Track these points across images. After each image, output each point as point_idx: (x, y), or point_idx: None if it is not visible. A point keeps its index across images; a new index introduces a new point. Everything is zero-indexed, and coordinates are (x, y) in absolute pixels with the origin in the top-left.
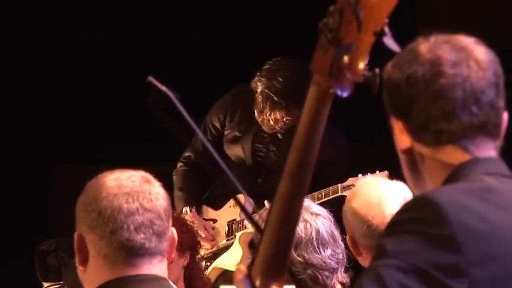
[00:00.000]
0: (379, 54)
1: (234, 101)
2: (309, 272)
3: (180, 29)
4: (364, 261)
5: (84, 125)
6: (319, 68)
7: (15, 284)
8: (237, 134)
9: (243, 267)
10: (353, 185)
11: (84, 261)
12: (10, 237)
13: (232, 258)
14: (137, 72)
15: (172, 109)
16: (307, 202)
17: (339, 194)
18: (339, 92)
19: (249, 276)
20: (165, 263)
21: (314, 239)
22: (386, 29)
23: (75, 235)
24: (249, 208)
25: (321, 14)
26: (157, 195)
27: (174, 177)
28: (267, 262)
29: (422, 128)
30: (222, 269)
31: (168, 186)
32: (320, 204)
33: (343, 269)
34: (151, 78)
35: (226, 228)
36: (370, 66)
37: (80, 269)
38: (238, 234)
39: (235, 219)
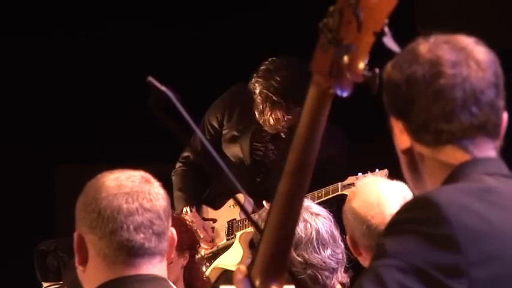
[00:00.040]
0: (379, 55)
1: (231, 100)
2: (309, 272)
3: (180, 29)
4: (364, 261)
5: (84, 125)
6: (319, 68)
7: (15, 284)
8: (235, 133)
9: (243, 267)
10: (353, 184)
11: (84, 261)
12: (10, 237)
13: (233, 258)
14: (137, 72)
15: (172, 109)
16: (307, 202)
17: (339, 192)
18: (338, 92)
19: (249, 276)
20: (164, 263)
21: (314, 239)
22: (386, 29)
23: (75, 235)
24: (249, 208)
25: (321, 14)
26: (157, 195)
27: (173, 178)
28: (266, 262)
29: (422, 128)
30: (222, 268)
31: (167, 186)
32: (320, 203)
33: (343, 269)
34: (151, 79)
35: (226, 227)
36: (370, 66)
37: (79, 269)
38: (238, 234)
39: (235, 219)
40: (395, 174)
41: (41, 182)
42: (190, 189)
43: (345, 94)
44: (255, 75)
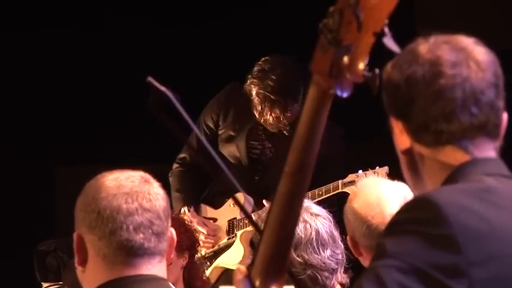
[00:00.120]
0: (379, 55)
1: (226, 100)
2: (309, 272)
3: (180, 28)
4: (365, 261)
5: (83, 126)
6: (319, 68)
7: (15, 284)
8: (231, 133)
9: (243, 268)
10: (353, 181)
11: (84, 262)
12: (10, 238)
13: (234, 257)
14: (137, 73)
15: (172, 109)
16: (306, 203)
17: (340, 190)
18: (338, 93)
19: (249, 277)
20: (164, 263)
21: (314, 239)
22: (386, 30)
23: (75, 235)
24: (248, 208)
25: (321, 14)
26: (157, 195)
27: (170, 179)
28: (266, 262)
29: (422, 129)
30: (223, 268)
31: (167, 186)
32: (320, 203)
33: (342, 270)
34: (150, 79)
35: (227, 226)
36: (370, 66)
37: (79, 269)
38: (239, 233)
39: (235, 218)
40: (395, 174)
41: (40, 182)
42: (188, 189)
43: (345, 94)
44: (249, 76)
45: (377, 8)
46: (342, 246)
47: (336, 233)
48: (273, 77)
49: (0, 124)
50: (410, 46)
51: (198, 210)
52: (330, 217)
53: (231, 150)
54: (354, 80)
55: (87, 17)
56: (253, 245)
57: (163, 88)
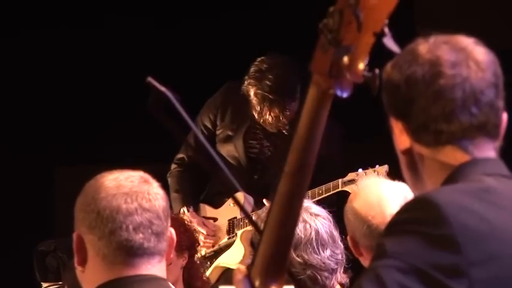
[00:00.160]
0: (379, 55)
1: (223, 99)
2: (308, 272)
3: (180, 28)
4: (365, 261)
5: (83, 126)
6: (319, 68)
7: (15, 284)
8: (229, 132)
9: (243, 268)
10: (354, 180)
11: (83, 262)
12: (9, 238)
13: (234, 257)
14: (137, 73)
15: (172, 109)
16: (306, 203)
17: (340, 189)
18: (338, 93)
19: (249, 277)
20: (163, 263)
21: (313, 239)
22: (386, 30)
23: (74, 236)
24: (248, 207)
25: (321, 14)
26: (156, 195)
27: (169, 179)
28: (266, 262)
29: (422, 129)
30: (224, 267)
31: (167, 186)
32: (320, 203)
33: (342, 270)
34: (150, 79)
35: (227, 226)
36: (370, 66)
37: (78, 269)
38: (239, 233)
39: (235, 217)
40: (395, 173)
41: (40, 182)
42: (187, 189)
43: (344, 94)
44: (246, 77)
45: (377, 8)
46: (342, 246)
47: (336, 233)
48: (270, 76)
49: (0, 124)
50: (410, 46)
51: (197, 210)
52: (329, 217)
53: (229, 150)
54: (353, 80)
55: (87, 16)
56: (253, 245)
57: (163, 88)
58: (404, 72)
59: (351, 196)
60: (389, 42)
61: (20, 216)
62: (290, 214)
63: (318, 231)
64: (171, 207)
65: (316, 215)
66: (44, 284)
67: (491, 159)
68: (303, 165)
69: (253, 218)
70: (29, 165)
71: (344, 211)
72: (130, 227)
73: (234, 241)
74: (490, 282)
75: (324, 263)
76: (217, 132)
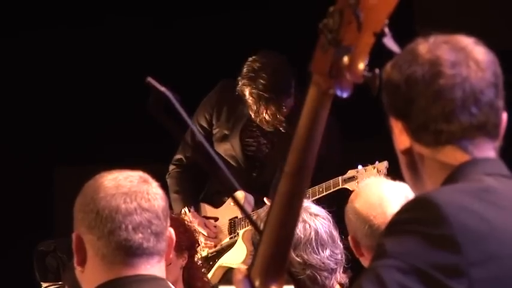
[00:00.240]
0: (379, 55)
1: (218, 98)
2: (308, 272)
3: (180, 28)
4: (366, 262)
5: (83, 126)
6: (319, 68)
7: (15, 284)
8: (226, 131)
9: (243, 268)
10: (354, 177)
11: (82, 262)
12: (9, 238)
13: (237, 256)
14: (137, 73)
15: (171, 110)
16: (306, 203)
17: (340, 186)
18: (338, 93)
19: (249, 277)
20: (163, 263)
21: (313, 239)
22: (387, 30)
23: (73, 236)
24: (248, 208)
25: (320, 14)
26: (155, 195)
27: (168, 180)
28: (266, 262)
29: (422, 129)
30: (226, 267)
31: (166, 186)
32: (321, 199)
33: (341, 270)
34: (150, 79)
35: (228, 226)
36: (370, 66)
37: (78, 269)
38: (241, 232)
39: (236, 217)
40: (395, 172)
41: (40, 182)
42: (187, 190)
43: (344, 95)
44: (239, 78)
45: (377, 8)
46: (341, 246)
47: (335, 233)
48: (264, 75)
49: (0, 124)
50: (410, 46)
51: (198, 210)
52: (329, 217)
53: (226, 149)
54: (353, 80)
55: (87, 16)
56: (254, 245)
57: (162, 88)
58: (404, 72)
59: (351, 196)
60: (389, 42)
61: (20, 216)
62: (290, 214)
63: (318, 231)
64: (170, 207)
65: (316, 215)
66: (44, 284)
67: (491, 159)
68: (303, 165)
69: (253, 217)
70: (29, 165)
71: (345, 211)
72: (130, 226)
73: (236, 241)
74: (490, 282)
75: (323, 263)
76: (214, 131)
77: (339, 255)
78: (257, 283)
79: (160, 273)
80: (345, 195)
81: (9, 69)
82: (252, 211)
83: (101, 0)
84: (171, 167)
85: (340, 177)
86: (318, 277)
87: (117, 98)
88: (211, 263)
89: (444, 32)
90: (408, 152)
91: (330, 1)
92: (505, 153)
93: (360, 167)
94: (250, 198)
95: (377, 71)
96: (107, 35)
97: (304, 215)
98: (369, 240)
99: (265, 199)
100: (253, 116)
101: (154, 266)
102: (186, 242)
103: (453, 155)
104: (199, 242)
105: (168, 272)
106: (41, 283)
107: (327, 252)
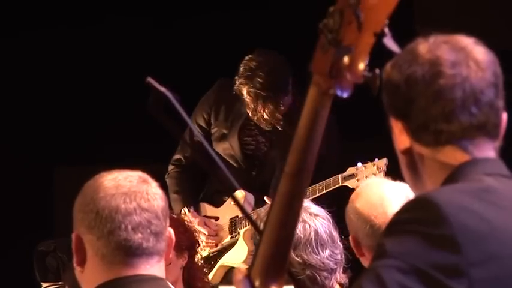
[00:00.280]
0: (379, 55)
1: (216, 97)
2: (308, 272)
3: (180, 28)
4: (366, 262)
5: (83, 126)
6: (319, 68)
7: (15, 284)
8: (224, 131)
9: (243, 267)
10: (353, 175)
11: (82, 262)
12: (9, 238)
13: (238, 256)
14: (137, 73)
15: (171, 110)
16: (306, 202)
17: (340, 184)
18: (338, 93)
19: (249, 277)
20: (162, 263)
21: (313, 239)
22: (387, 30)
23: (73, 236)
24: (248, 208)
25: (320, 14)
26: (155, 195)
27: (168, 181)
28: (266, 263)
29: (422, 129)
30: (228, 267)
31: (166, 186)
32: (321, 197)
33: (341, 270)
34: (150, 79)
35: (229, 225)
36: (370, 66)
37: (77, 269)
38: (242, 231)
39: (237, 216)
40: (394, 171)
41: (40, 182)
42: (186, 189)
43: (345, 95)
44: (236, 77)
45: (377, 9)
46: (341, 246)
47: (335, 233)
48: (261, 73)
49: (0, 124)
50: (410, 46)
51: (197, 210)
52: (329, 217)
53: (225, 148)
54: (354, 80)
55: (87, 16)
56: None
57: (162, 88)
58: (404, 72)
59: (352, 196)
60: (389, 42)
61: (20, 216)
62: (290, 214)
63: (317, 231)
64: (170, 207)
65: (316, 215)
66: (44, 284)
67: (491, 159)
68: (303, 165)
69: (253, 217)
70: (29, 165)
71: (345, 211)
72: (129, 226)
73: (237, 240)
74: (490, 282)
75: (323, 263)
76: (212, 131)
77: (339, 255)
78: (257, 283)
79: (160, 273)
80: (345, 195)
81: (9, 69)
82: (252, 210)
83: (100, 0)
84: (171, 167)
85: (339, 175)
86: (318, 277)
87: (117, 98)
88: (212, 262)
89: (444, 32)
90: (408, 152)
91: (330, 1)
92: (505, 153)
93: (359, 164)
94: (250, 197)
95: (377, 71)
96: (107, 35)
97: (304, 215)
98: (369, 240)
99: (265, 198)
100: (251, 115)
101: (154, 266)
102: (186, 242)
103: (453, 155)
104: (200, 242)
105: (168, 272)
106: (41, 283)
107: (327, 252)
